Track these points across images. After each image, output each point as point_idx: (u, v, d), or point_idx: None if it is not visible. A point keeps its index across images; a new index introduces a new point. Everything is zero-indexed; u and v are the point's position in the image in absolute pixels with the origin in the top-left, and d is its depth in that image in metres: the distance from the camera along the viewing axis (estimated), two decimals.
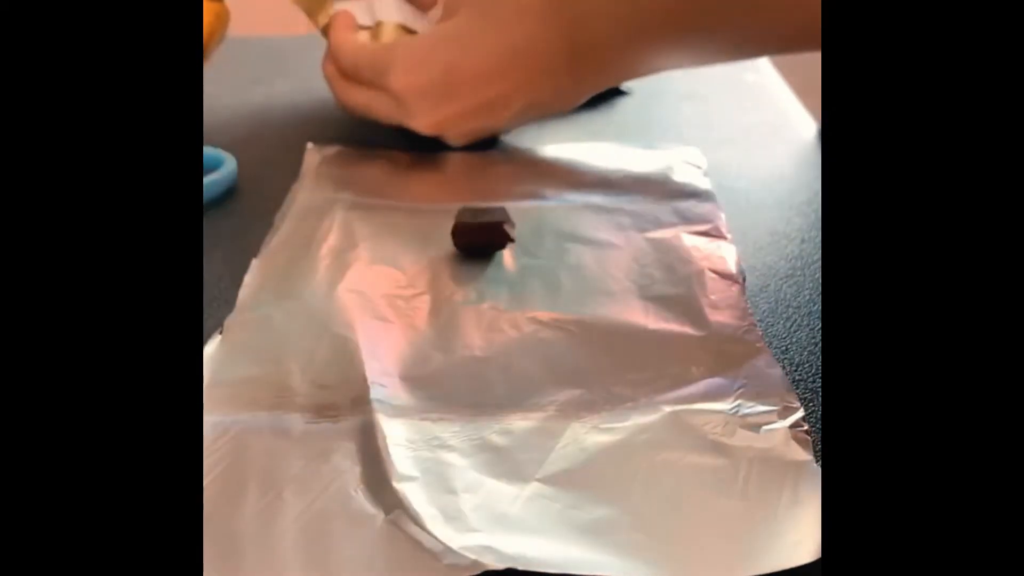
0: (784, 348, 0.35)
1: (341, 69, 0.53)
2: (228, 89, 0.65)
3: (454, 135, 0.52)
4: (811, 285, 0.40)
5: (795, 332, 0.37)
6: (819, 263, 0.41)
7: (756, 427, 0.30)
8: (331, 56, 0.54)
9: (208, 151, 0.52)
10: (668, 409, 0.31)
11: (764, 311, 0.38)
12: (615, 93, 0.61)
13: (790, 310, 0.38)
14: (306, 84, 0.66)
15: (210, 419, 0.31)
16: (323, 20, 0.57)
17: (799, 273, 0.41)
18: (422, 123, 0.51)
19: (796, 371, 0.34)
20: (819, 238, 0.44)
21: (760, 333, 0.35)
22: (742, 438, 0.30)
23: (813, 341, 0.36)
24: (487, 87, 0.49)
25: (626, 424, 0.31)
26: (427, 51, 0.49)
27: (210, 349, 0.35)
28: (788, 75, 0.68)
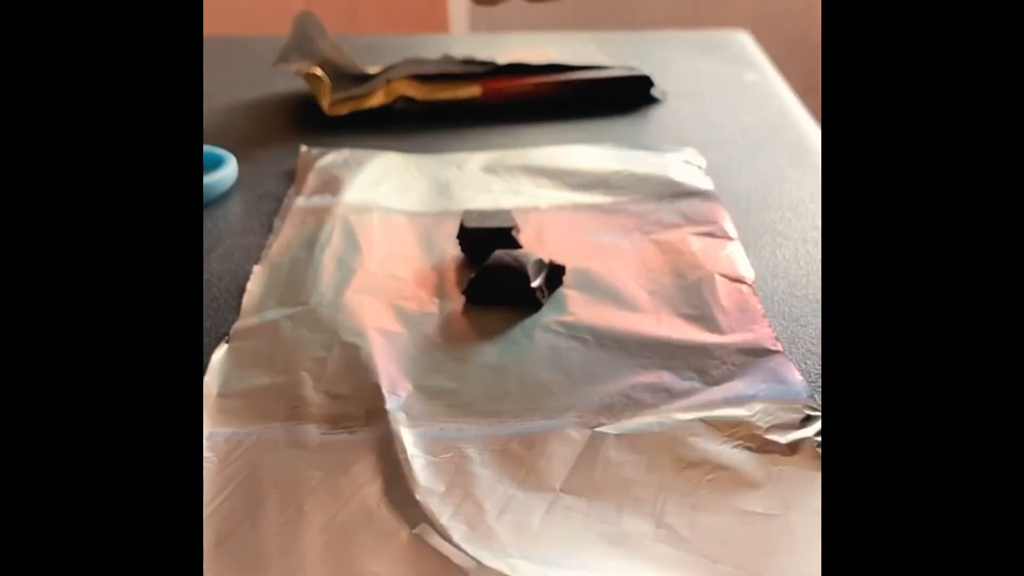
0: (785, 349, 0.35)
1: None
2: (228, 89, 0.65)
3: None
4: (811, 285, 0.40)
5: (796, 333, 0.36)
6: (819, 263, 0.41)
7: (780, 436, 0.30)
8: None
9: (208, 151, 0.52)
10: (690, 416, 0.31)
11: (764, 311, 0.38)
12: (647, 100, 0.61)
13: (790, 310, 0.38)
14: (306, 84, 0.66)
15: (223, 431, 0.31)
16: (325, 103, 0.58)
17: (799, 273, 0.41)
18: None
19: (799, 372, 0.34)
20: (819, 238, 0.44)
21: (774, 335, 0.35)
22: (766, 448, 0.30)
23: (814, 341, 0.36)
24: None
25: (648, 432, 0.31)
26: None
27: (218, 357, 0.35)
28: (788, 75, 0.68)
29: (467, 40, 0.75)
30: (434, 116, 0.59)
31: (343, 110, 0.58)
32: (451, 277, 0.40)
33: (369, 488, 0.28)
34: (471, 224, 0.41)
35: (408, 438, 0.30)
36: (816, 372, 0.34)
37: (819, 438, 0.30)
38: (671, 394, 0.32)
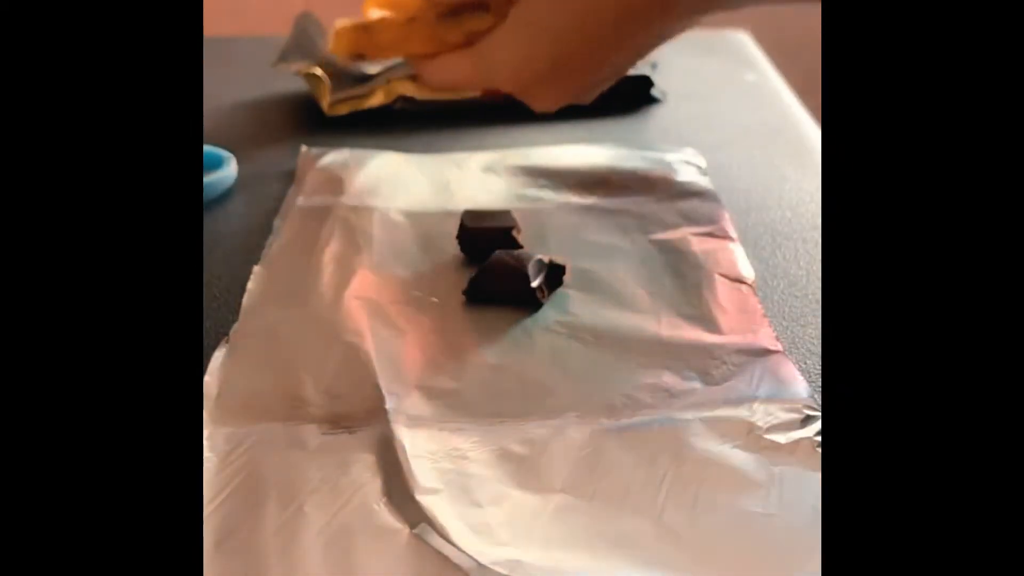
0: (785, 349, 0.35)
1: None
2: (228, 89, 0.65)
3: (584, 100, 0.47)
4: (811, 285, 0.40)
5: (796, 333, 0.36)
6: (819, 263, 0.41)
7: (780, 436, 0.30)
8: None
9: (208, 151, 0.52)
10: (689, 416, 0.31)
11: (764, 311, 0.38)
12: (647, 100, 0.61)
13: (790, 310, 0.38)
14: (306, 84, 0.66)
15: (223, 431, 0.31)
16: (325, 103, 0.58)
17: (799, 273, 0.41)
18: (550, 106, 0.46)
19: (799, 372, 0.34)
20: (819, 238, 0.44)
21: (775, 335, 0.35)
22: (767, 448, 0.30)
23: (814, 341, 0.36)
24: (599, 63, 0.44)
25: (648, 432, 0.31)
26: (527, 46, 0.43)
27: (218, 358, 0.35)
28: (788, 75, 0.68)
29: None
30: (434, 116, 0.59)
31: (343, 110, 0.58)
32: (451, 277, 0.40)
33: (369, 488, 0.28)
34: (471, 224, 0.41)
35: (407, 438, 0.30)
36: (816, 372, 0.34)
37: (819, 438, 0.30)
38: (671, 394, 0.32)
